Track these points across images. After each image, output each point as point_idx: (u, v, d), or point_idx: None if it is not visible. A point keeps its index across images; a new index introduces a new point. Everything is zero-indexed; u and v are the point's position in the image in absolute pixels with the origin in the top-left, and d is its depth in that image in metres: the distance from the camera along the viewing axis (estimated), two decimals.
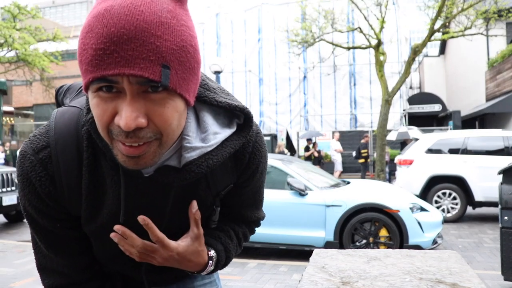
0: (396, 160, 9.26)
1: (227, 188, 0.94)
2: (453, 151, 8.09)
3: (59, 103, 1.09)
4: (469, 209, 8.10)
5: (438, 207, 7.91)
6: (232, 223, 1.02)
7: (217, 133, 0.82)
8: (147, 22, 0.63)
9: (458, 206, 7.84)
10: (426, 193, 8.08)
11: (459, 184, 7.83)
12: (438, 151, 8.23)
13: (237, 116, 0.87)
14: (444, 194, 7.97)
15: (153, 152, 0.71)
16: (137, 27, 0.62)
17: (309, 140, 15.22)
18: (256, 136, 0.93)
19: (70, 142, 0.81)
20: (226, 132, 0.84)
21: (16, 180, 7.37)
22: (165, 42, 0.64)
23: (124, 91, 0.65)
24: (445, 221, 7.74)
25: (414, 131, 13.65)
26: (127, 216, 0.83)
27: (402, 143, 13.77)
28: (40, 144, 0.81)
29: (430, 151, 8.25)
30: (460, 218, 7.85)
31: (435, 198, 7.99)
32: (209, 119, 0.83)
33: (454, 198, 7.89)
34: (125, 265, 0.98)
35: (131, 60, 0.62)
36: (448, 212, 7.88)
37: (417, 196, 8.08)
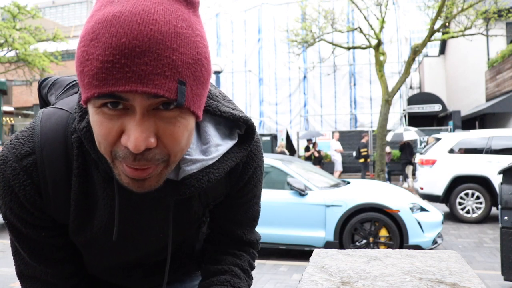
0: (417, 160, 9.17)
1: (218, 199, 0.89)
2: (476, 151, 7.97)
3: (42, 97, 1.00)
4: (494, 210, 7.93)
5: (462, 208, 7.83)
6: (231, 257, 0.94)
7: (219, 145, 0.77)
8: (162, 33, 0.56)
9: (483, 207, 7.74)
10: (449, 193, 7.99)
11: (484, 184, 7.73)
12: (461, 151, 8.13)
13: (238, 125, 0.81)
14: (467, 194, 7.85)
15: (160, 174, 0.66)
16: (151, 38, 0.56)
17: (309, 140, 15.23)
18: (252, 145, 0.87)
19: (57, 149, 0.74)
20: (227, 144, 0.78)
21: None
22: (181, 56, 0.58)
23: (132, 108, 0.59)
24: (470, 221, 7.70)
25: (410, 133, 13.63)
26: (120, 229, 0.78)
27: (402, 145, 13.77)
28: (24, 150, 0.73)
29: (452, 151, 8.15)
30: (485, 219, 7.73)
31: (459, 199, 7.88)
32: (211, 130, 0.78)
33: (478, 198, 7.77)
34: (115, 275, 0.95)
35: (145, 75, 0.55)
36: (473, 212, 7.77)
37: (440, 196, 8.03)
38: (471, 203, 7.82)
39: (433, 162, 8.24)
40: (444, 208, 8.59)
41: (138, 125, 0.59)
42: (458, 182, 7.95)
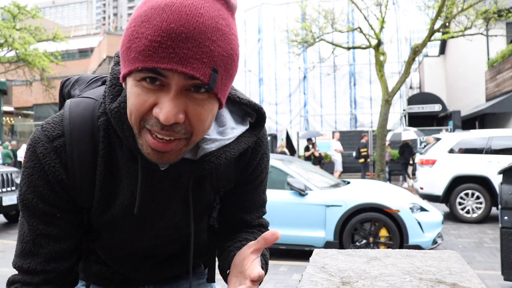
0: (417, 160, 9.13)
1: (228, 186, 0.96)
2: (476, 151, 7.95)
3: (63, 95, 1.07)
4: (494, 210, 7.90)
5: (462, 208, 7.81)
6: (244, 233, 1.00)
7: (234, 128, 0.86)
8: (205, 25, 0.65)
9: (483, 207, 7.72)
10: (449, 193, 7.96)
11: (484, 184, 7.71)
12: (461, 151, 8.11)
13: (249, 114, 0.89)
14: (467, 194, 7.83)
15: (179, 150, 0.73)
16: (196, 28, 0.64)
17: (309, 140, 15.23)
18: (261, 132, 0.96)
19: (85, 133, 0.81)
20: (241, 128, 0.87)
21: (16, 180, 7.45)
22: (218, 48, 0.66)
23: (167, 86, 0.67)
24: (470, 221, 7.68)
25: (409, 133, 13.65)
26: (141, 208, 0.84)
27: (402, 145, 13.78)
28: (55, 132, 0.80)
29: (452, 151, 8.13)
30: (485, 219, 7.71)
31: (459, 199, 7.85)
32: (227, 114, 0.86)
33: (478, 198, 7.75)
34: (128, 263, 0.99)
35: (185, 58, 0.64)
36: (473, 212, 7.75)
37: (440, 196, 8.00)
38: (471, 203, 7.80)
39: (433, 162, 8.23)
40: (444, 208, 8.60)
41: (172, 100, 0.67)
42: (458, 182, 7.93)
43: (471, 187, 7.84)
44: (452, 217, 8.01)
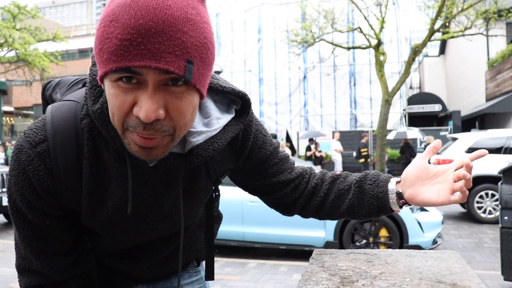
0: (434, 160, 9.03)
1: (226, 172, 0.97)
2: (495, 151, 7.83)
3: (46, 99, 1.06)
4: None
5: (479, 208, 7.71)
6: (315, 179, 1.05)
7: (220, 118, 0.85)
8: (175, 17, 0.63)
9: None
10: None
11: None
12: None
13: (234, 102, 0.89)
14: (486, 195, 7.72)
15: (166, 146, 0.72)
16: (165, 21, 0.62)
17: (311, 140, 15.23)
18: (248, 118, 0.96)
19: (68, 136, 0.80)
20: (227, 118, 0.86)
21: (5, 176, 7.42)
22: (190, 38, 0.65)
23: (144, 83, 0.66)
24: (487, 222, 7.59)
25: (414, 132, 13.67)
26: (135, 206, 0.83)
27: (402, 146, 13.79)
28: (38, 138, 0.78)
29: (470, 150, 7.97)
30: None
31: (477, 199, 7.74)
32: (211, 105, 0.85)
33: (497, 199, 7.59)
34: (126, 261, 0.98)
35: (158, 53, 0.62)
36: (491, 213, 7.64)
37: None
38: (489, 204, 7.68)
39: (450, 162, 8.11)
40: (461, 209, 8.52)
41: (150, 97, 0.65)
42: (476, 183, 7.74)
43: (489, 187, 7.68)
44: (469, 217, 7.91)
